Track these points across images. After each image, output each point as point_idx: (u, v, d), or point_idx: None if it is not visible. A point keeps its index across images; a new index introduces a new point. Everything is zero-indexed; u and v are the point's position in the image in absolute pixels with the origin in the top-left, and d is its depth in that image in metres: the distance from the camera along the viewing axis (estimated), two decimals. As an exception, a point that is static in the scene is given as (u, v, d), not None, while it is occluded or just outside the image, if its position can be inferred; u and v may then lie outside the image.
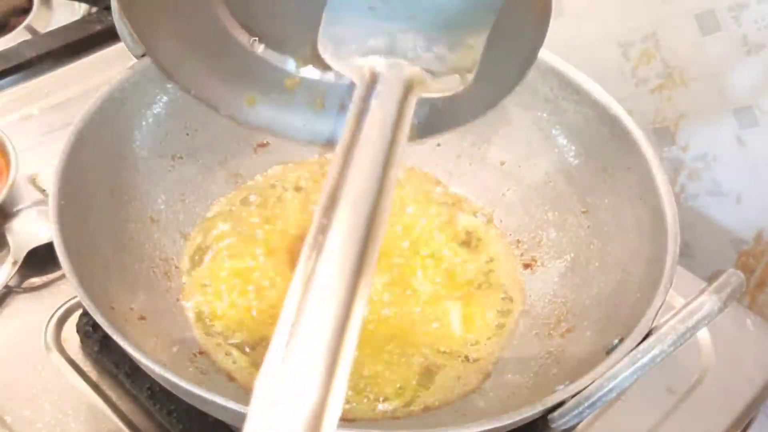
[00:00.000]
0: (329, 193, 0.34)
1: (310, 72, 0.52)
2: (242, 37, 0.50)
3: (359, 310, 0.32)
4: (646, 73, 0.82)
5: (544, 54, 0.66)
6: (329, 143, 0.54)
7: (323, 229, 0.33)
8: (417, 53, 0.40)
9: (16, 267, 0.64)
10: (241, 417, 0.45)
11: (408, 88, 0.39)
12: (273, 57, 0.51)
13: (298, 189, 0.69)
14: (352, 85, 0.43)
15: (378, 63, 0.39)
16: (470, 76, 0.41)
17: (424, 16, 0.41)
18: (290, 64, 0.51)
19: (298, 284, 0.32)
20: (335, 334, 0.30)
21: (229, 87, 0.52)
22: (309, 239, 0.33)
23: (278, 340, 0.30)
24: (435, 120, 0.50)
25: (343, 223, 0.34)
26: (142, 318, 0.55)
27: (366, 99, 0.38)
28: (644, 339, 0.48)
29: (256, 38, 0.50)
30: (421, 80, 0.40)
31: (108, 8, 0.61)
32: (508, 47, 0.46)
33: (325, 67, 0.50)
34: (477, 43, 0.41)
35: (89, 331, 0.60)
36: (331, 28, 0.41)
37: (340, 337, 0.30)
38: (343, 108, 0.54)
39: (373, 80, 0.38)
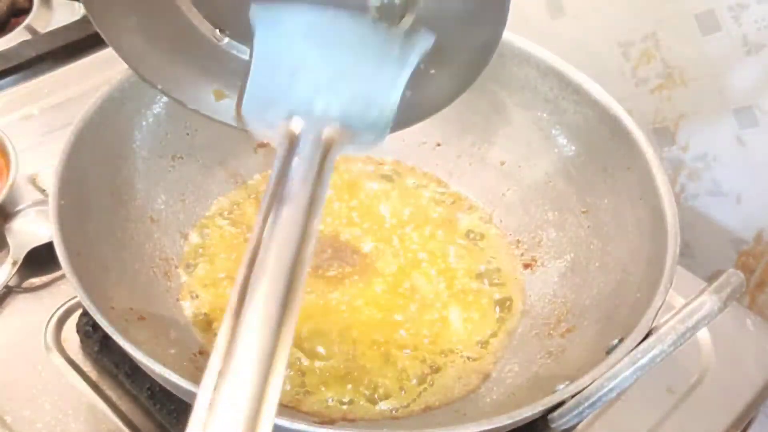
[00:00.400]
0: (252, 246, 0.37)
1: None
2: (206, 29, 0.50)
3: (282, 360, 0.34)
4: (646, 73, 0.82)
5: (544, 54, 0.67)
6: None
7: (246, 280, 0.36)
8: (335, 112, 0.43)
9: (16, 267, 0.64)
10: (241, 417, 0.45)
11: (327, 146, 0.41)
12: (238, 49, 0.51)
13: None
14: None
15: (298, 124, 0.42)
16: (387, 132, 0.44)
17: (342, 80, 0.44)
18: None
19: (225, 330, 0.34)
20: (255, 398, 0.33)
21: (195, 80, 0.52)
22: (235, 286, 0.36)
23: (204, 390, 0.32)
24: (406, 113, 0.50)
25: (266, 274, 0.36)
26: (142, 318, 0.55)
27: (288, 159, 0.40)
28: (644, 339, 0.48)
29: (220, 30, 0.50)
30: (340, 138, 0.42)
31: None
32: (469, 33, 0.47)
33: None
34: (392, 101, 0.44)
35: (89, 331, 0.60)
36: (253, 94, 0.44)
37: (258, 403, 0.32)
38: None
39: (293, 142, 0.41)
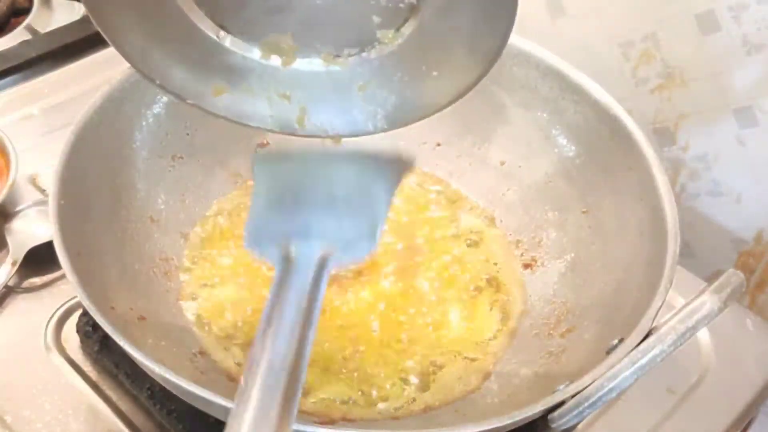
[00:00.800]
0: (252, 355, 0.40)
1: (276, 62, 0.52)
2: (208, 27, 0.50)
3: None
4: (646, 73, 0.82)
5: (544, 54, 0.67)
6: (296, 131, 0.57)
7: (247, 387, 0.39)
8: (327, 234, 0.48)
9: (16, 267, 0.64)
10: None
11: (321, 264, 0.46)
12: (238, 46, 0.51)
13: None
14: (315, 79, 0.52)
15: (294, 246, 0.47)
16: (374, 246, 0.49)
17: (333, 204, 0.49)
18: (255, 53, 0.52)
19: None
20: None
21: (194, 76, 0.53)
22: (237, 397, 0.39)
23: None
24: (405, 111, 0.51)
25: (263, 377, 0.39)
26: (142, 318, 0.55)
27: (285, 279, 0.45)
28: (644, 339, 0.48)
29: (222, 27, 0.50)
30: (333, 254, 0.47)
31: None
32: (473, 40, 0.47)
33: (291, 56, 0.52)
34: (379, 219, 0.49)
35: (89, 331, 0.60)
36: (254, 228, 0.49)
37: None
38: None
39: (289, 263, 0.46)
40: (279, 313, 0.43)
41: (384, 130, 0.55)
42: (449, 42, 0.48)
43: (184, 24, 0.50)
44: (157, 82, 0.52)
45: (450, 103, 0.53)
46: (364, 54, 0.51)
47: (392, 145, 0.53)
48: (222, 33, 0.51)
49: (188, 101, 0.53)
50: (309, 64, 0.53)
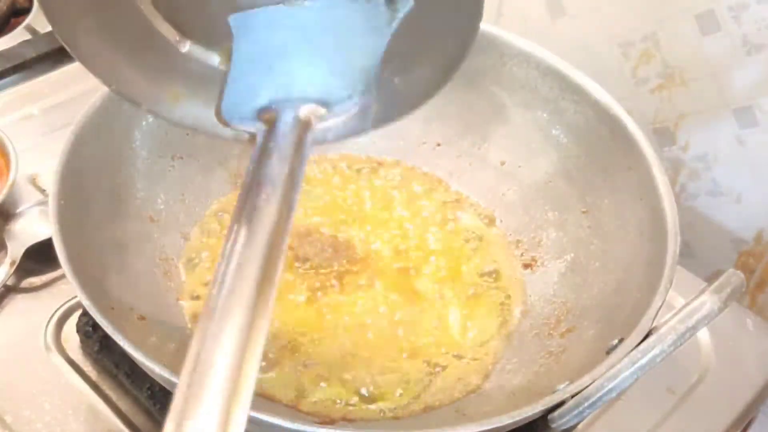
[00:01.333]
0: (234, 225, 0.38)
1: None
2: (167, 31, 0.49)
3: (266, 321, 0.35)
4: (646, 73, 0.82)
5: (544, 54, 0.67)
6: (253, 139, 0.54)
7: (232, 246, 0.37)
8: (311, 93, 0.44)
9: (14, 266, 0.64)
10: (241, 417, 0.45)
11: (304, 125, 0.42)
12: (197, 52, 0.51)
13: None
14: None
15: (276, 110, 0.43)
16: (359, 96, 0.45)
17: (317, 62, 0.45)
18: (214, 60, 0.51)
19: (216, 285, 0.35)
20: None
21: (152, 82, 0.51)
22: (220, 257, 0.36)
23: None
24: (389, 109, 0.50)
25: (247, 242, 0.37)
26: (142, 318, 0.55)
27: (266, 142, 0.42)
28: (644, 339, 0.48)
29: (181, 32, 0.49)
30: (316, 114, 0.43)
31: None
32: (446, 23, 0.47)
33: None
34: (368, 65, 0.45)
35: (89, 331, 0.60)
36: (231, 95, 0.45)
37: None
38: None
39: (271, 127, 0.42)
40: (259, 182, 0.39)
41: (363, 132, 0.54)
42: (427, 29, 0.47)
43: (141, 26, 0.49)
44: (113, 87, 0.51)
45: (430, 97, 0.51)
46: None
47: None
48: (180, 38, 0.50)
49: (144, 107, 0.52)
50: None
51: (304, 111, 0.43)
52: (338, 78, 0.45)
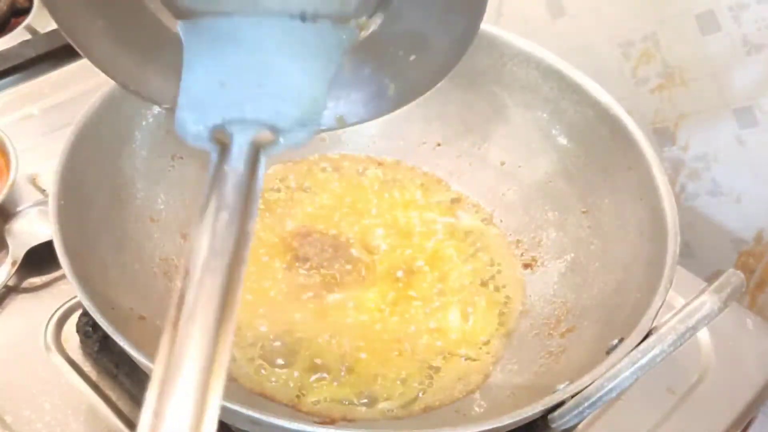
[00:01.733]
0: (188, 249, 0.38)
1: None
2: (170, 21, 0.49)
3: (224, 359, 0.34)
4: (646, 73, 0.82)
5: (544, 54, 0.67)
6: None
7: (183, 292, 0.37)
8: (265, 116, 0.44)
9: (15, 267, 0.64)
10: (242, 417, 0.45)
11: (258, 147, 0.42)
12: None
13: (299, 188, 0.69)
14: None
15: (229, 132, 0.43)
16: (314, 128, 0.45)
17: (271, 82, 0.45)
18: None
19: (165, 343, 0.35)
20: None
21: (168, 79, 0.51)
22: (173, 299, 0.37)
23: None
24: (386, 99, 0.50)
25: (205, 277, 0.37)
26: (142, 318, 0.55)
27: (219, 167, 0.42)
28: (644, 339, 0.48)
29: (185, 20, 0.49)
30: (270, 140, 0.43)
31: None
32: (447, 21, 0.46)
33: None
34: (320, 96, 0.45)
35: (89, 331, 0.60)
36: (184, 108, 0.45)
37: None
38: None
39: (224, 149, 0.42)
40: (213, 207, 0.40)
41: (363, 121, 0.54)
42: (423, 22, 0.47)
43: (151, 24, 0.48)
44: (131, 88, 0.51)
45: (428, 88, 0.51)
46: None
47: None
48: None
49: (163, 106, 0.52)
50: None
51: (257, 135, 0.43)
52: (290, 104, 0.45)
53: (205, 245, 0.38)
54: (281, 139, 0.44)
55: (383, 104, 0.50)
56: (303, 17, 0.46)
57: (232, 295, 0.36)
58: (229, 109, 0.44)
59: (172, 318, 0.36)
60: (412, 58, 0.49)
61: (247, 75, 0.45)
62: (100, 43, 0.48)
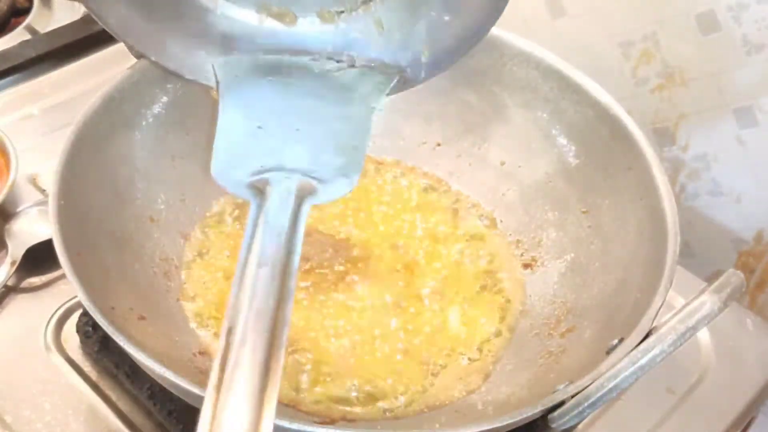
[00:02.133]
0: (232, 305, 0.36)
1: (274, 25, 0.50)
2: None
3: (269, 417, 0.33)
4: (646, 73, 0.82)
5: (544, 54, 0.67)
6: None
7: (228, 348, 0.35)
8: (304, 164, 0.42)
9: (15, 266, 0.64)
10: (241, 417, 0.45)
11: (299, 198, 0.41)
12: (233, 11, 0.49)
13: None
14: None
15: (268, 180, 0.41)
16: (356, 177, 0.43)
17: (308, 128, 0.44)
18: (251, 16, 0.49)
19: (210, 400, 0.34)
20: None
21: (190, 49, 0.50)
22: (216, 362, 0.35)
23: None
24: (440, 56, 0.48)
25: (246, 340, 0.35)
26: (142, 318, 0.55)
27: (259, 216, 0.40)
28: (644, 339, 0.48)
29: None
30: (311, 189, 0.42)
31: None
32: None
33: (290, 19, 0.49)
34: (361, 144, 0.44)
35: (89, 331, 0.60)
36: (222, 154, 0.43)
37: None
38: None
39: (263, 198, 0.41)
40: (255, 259, 0.38)
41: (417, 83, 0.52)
42: None
43: None
44: (152, 58, 0.50)
45: (467, 50, 0.49)
46: (365, 6, 0.48)
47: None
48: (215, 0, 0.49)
49: (186, 77, 0.51)
50: (310, 25, 0.50)
51: (298, 184, 0.41)
52: (329, 154, 0.43)
53: (246, 305, 0.36)
54: (321, 190, 0.42)
55: (417, 71, 0.49)
56: (351, 62, 0.45)
57: (275, 360, 0.35)
58: (267, 159, 0.42)
59: (215, 383, 0.35)
60: (447, 18, 0.48)
61: (286, 119, 0.44)
62: (120, 11, 0.47)
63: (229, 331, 0.36)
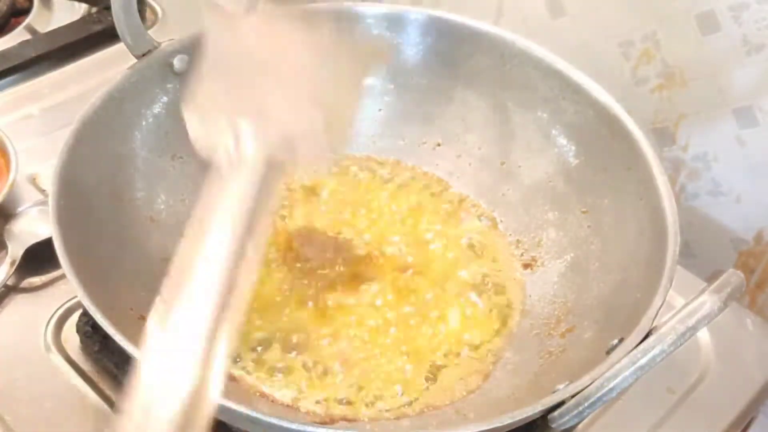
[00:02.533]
0: (183, 252, 0.37)
1: None
2: None
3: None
4: (646, 73, 0.82)
5: (544, 54, 0.67)
6: None
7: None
8: (288, 120, 0.42)
9: (15, 266, 0.64)
10: (242, 417, 0.45)
11: (275, 159, 0.40)
12: None
13: (299, 189, 0.69)
14: None
15: (244, 132, 0.41)
16: (343, 141, 0.44)
17: (297, 97, 0.43)
18: None
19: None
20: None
21: None
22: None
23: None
24: None
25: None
26: (142, 318, 0.55)
27: (230, 173, 0.41)
28: (644, 339, 0.48)
29: None
30: (292, 148, 0.41)
31: (108, 8, 0.61)
32: None
33: None
34: (350, 104, 0.44)
35: (89, 331, 0.60)
36: (199, 99, 0.43)
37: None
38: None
39: (238, 152, 0.41)
40: (216, 217, 0.37)
41: None
42: None
43: None
44: None
45: None
46: None
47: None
48: None
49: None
50: None
51: (279, 141, 0.41)
52: (317, 114, 0.43)
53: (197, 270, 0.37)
54: (302, 152, 0.42)
55: None
56: None
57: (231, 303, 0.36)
58: (248, 113, 0.41)
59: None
60: None
61: (273, 85, 0.43)
62: None
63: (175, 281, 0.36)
